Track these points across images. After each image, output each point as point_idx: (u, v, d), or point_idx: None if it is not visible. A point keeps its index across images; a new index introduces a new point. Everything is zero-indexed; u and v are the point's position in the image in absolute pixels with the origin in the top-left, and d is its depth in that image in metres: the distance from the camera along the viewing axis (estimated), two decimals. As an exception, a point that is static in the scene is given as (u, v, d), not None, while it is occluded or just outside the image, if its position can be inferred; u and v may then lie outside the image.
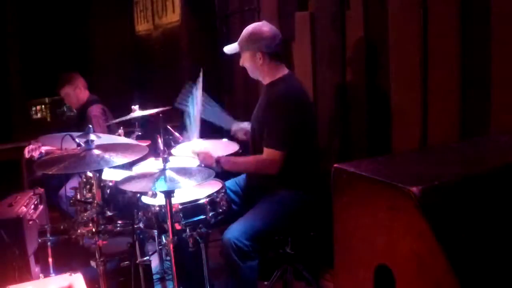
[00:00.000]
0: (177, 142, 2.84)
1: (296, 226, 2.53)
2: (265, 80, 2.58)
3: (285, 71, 2.57)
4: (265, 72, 2.54)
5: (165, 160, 2.04)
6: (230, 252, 2.22)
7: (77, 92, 3.86)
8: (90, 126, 2.35)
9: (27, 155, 3.28)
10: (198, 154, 2.56)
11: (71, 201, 2.38)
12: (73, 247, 2.40)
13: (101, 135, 2.58)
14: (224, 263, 2.31)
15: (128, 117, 2.95)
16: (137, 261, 2.40)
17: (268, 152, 2.42)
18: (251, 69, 2.57)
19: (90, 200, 2.24)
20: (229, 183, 2.62)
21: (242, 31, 2.57)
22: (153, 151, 2.72)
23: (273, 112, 2.44)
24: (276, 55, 2.53)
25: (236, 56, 2.64)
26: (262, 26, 2.52)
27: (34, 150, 3.27)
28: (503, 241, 1.34)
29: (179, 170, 2.07)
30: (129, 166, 2.63)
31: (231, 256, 2.23)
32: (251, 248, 2.25)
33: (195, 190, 2.32)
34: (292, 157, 2.42)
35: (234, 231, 2.26)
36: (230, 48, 2.62)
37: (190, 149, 2.65)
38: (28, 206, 2.80)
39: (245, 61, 2.56)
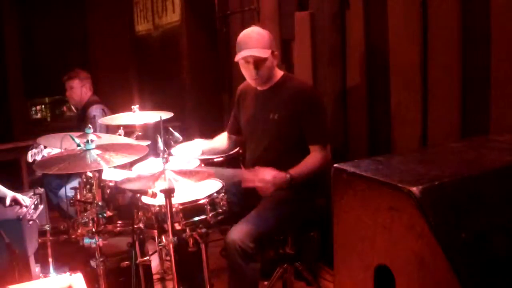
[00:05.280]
0: (177, 142, 2.84)
1: (297, 226, 2.53)
2: (268, 82, 2.57)
3: (281, 71, 2.62)
4: (273, 73, 2.55)
5: (165, 160, 2.04)
6: (234, 254, 2.21)
7: (82, 90, 4.05)
8: (90, 126, 2.35)
9: (30, 159, 3.28)
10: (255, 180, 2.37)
11: (71, 201, 2.39)
12: (73, 247, 2.40)
13: (101, 135, 2.59)
14: (227, 264, 2.31)
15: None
16: (137, 261, 2.40)
17: (324, 149, 2.45)
18: (267, 71, 2.49)
19: (90, 200, 2.24)
20: (229, 183, 2.61)
21: (242, 31, 2.57)
22: (153, 151, 2.72)
23: (312, 109, 2.46)
24: None
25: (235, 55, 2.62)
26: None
27: (37, 153, 3.27)
28: (503, 241, 1.34)
29: (179, 170, 2.07)
30: (129, 166, 2.63)
31: (235, 257, 2.22)
32: (255, 250, 2.24)
33: (195, 190, 2.32)
34: (293, 157, 2.43)
35: (239, 233, 2.25)
36: (259, 52, 2.43)
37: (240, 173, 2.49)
38: (28, 206, 2.80)
39: (268, 65, 2.47)
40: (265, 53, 2.44)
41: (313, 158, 2.44)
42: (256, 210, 2.40)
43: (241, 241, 2.21)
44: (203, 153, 2.81)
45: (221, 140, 2.93)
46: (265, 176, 2.35)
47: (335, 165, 1.55)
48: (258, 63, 2.45)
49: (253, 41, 2.47)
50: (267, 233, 2.33)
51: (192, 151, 2.79)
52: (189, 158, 2.72)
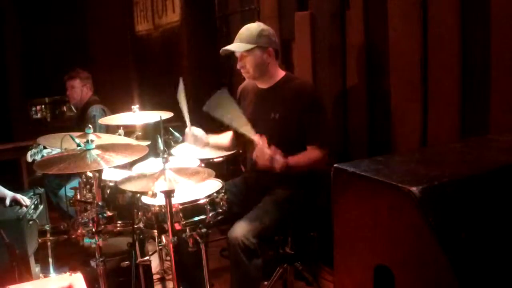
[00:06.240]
0: (177, 142, 2.84)
1: (297, 226, 2.53)
2: (268, 81, 2.56)
3: (284, 71, 2.61)
4: (270, 71, 2.53)
5: (165, 160, 2.04)
6: (237, 250, 2.23)
7: (83, 90, 4.10)
8: (90, 126, 2.35)
9: (29, 159, 3.28)
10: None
11: (71, 201, 2.38)
12: (73, 247, 2.40)
13: (101, 135, 2.58)
14: (230, 261, 2.32)
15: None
16: (137, 261, 2.40)
17: (321, 150, 2.44)
18: (258, 68, 2.50)
19: (90, 200, 2.24)
20: (228, 183, 2.62)
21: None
22: (153, 151, 2.72)
23: (313, 108, 2.46)
24: (278, 53, 2.56)
25: (235, 56, 2.62)
26: (264, 24, 2.54)
27: (37, 153, 3.27)
28: (503, 241, 1.34)
29: (179, 170, 2.07)
30: (129, 166, 2.63)
31: (238, 254, 2.23)
32: (258, 246, 2.26)
33: (195, 190, 2.32)
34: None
35: (242, 229, 2.26)
36: (237, 47, 2.48)
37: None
38: (28, 206, 2.80)
39: (253, 60, 2.47)
40: (242, 47, 2.46)
41: (312, 152, 2.44)
42: (258, 208, 2.42)
43: (244, 237, 2.22)
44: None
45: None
46: (270, 150, 2.33)
47: (335, 165, 1.55)
48: (241, 57, 2.51)
49: (239, 36, 2.52)
50: (269, 229, 2.34)
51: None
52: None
